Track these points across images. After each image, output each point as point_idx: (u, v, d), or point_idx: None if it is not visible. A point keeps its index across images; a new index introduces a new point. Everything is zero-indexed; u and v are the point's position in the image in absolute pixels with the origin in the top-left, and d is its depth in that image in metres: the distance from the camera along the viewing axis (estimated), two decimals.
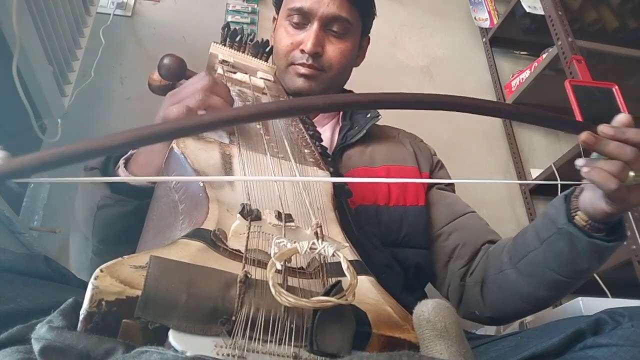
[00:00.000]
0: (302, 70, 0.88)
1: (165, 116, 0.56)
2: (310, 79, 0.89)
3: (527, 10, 1.77)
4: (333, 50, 0.89)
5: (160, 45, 1.56)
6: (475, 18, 1.98)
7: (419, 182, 0.88)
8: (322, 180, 0.60)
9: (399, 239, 0.80)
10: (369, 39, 1.03)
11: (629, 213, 1.16)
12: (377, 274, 0.70)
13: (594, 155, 0.54)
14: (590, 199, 0.58)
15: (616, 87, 1.33)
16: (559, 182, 0.64)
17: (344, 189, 0.62)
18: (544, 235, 0.66)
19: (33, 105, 1.08)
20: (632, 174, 0.52)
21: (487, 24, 1.98)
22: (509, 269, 0.72)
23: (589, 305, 0.95)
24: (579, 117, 1.26)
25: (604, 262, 0.64)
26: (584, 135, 0.51)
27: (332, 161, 0.82)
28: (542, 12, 1.64)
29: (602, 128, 0.51)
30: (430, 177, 0.91)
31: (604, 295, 1.23)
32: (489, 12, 2.00)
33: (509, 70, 1.94)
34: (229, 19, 1.69)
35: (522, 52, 2.03)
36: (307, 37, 0.87)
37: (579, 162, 0.55)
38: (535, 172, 1.68)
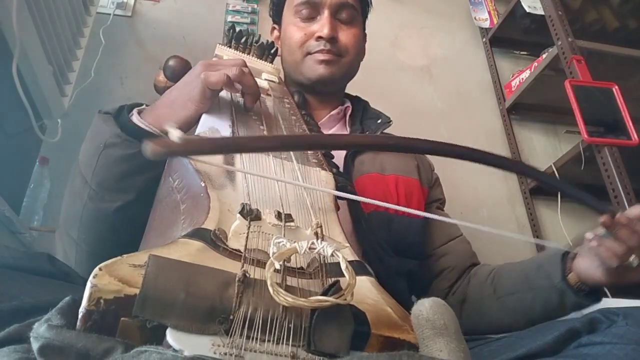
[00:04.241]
0: (322, 56, 0.89)
1: (205, 78, 0.61)
2: (331, 64, 0.90)
3: (527, 10, 1.77)
4: (346, 35, 0.91)
5: (160, 45, 1.56)
6: (475, 18, 1.98)
7: (419, 186, 0.90)
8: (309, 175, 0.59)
9: (404, 248, 0.82)
10: (366, 35, 1.03)
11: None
12: (389, 278, 0.73)
13: (601, 232, 0.62)
14: (587, 267, 0.67)
15: (616, 87, 1.33)
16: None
17: (346, 189, 0.62)
18: (535, 284, 0.75)
19: (33, 105, 1.08)
20: (633, 257, 0.62)
21: (487, 24, 1.97)
22: (493, 299, 0.80)
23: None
24: (579, 117, 1.27)
25: None
26: (604, 218, 0.60)
27: (344, 166, 0.83)
28: (542, 12, 1.64)
29: (619, 216, 0.60)
30: (428, 193, 0.93)
31: (604, 295, 1.23)
32: (489, 12, 2.00)
33: (509, 70, 1.94)
34: (229, 19, 1.69)
35: (522, 52, 2.02)
36: (321, 25, 0.89)
37: (589, 235, 0.64)
38: None
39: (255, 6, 1.73)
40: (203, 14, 1.68)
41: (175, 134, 0.40)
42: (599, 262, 0.64)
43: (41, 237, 1.16)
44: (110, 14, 1.52)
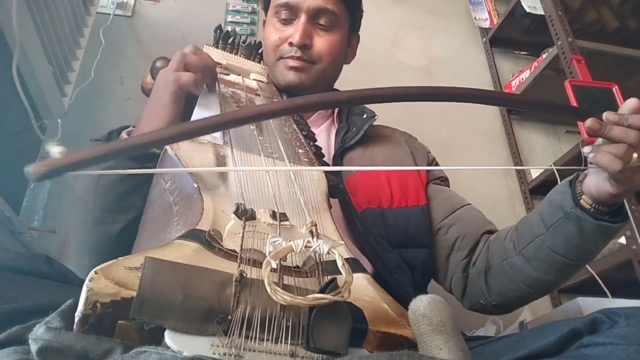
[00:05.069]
0: (292, 63, 0.89)
1: (177, 79, 0.68)
2: (301, 72, 0.89)
3: (527, 10, 1.76)
4: (322, 42, 0.90)
5: (160, 45, 1.56)
6: (475, 18, 1.98)
7: (416, 173, 0.89)
8: (308, 169, 0.60)
9: (405, 240, 0.81)
10: (358, 37, 1.03)
11: (629, 213, 1.16)
12: (390, 275, 0.72)
13: (599, 141, 0.57)
14: (595, 183, 0.60)
15: (616, 87, 1.32)
16: (554, 167, 0.67)
17: (338, 187, 0.62)
18: (550, 220, 0.68)
19: (33, 105, 1.08)
20: (635, 155, 0.55)
21: (487, 24, 1.97)
22: (514, 256, 0.74)
23: (589, 305, 0.94)
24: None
25: (609, 242, 0.68)
26: (589, 122, 0.54)
27: (334, 164, 0.83)
28: (542, 12, 1.64)
29: (607, 115, 0.55)
30: (427, 175, 0.91)
31: (604, 295, 1.23)
32: (489, 12, 2.00)
33: (509, 70, 1.94)
34: (229, 19, 1.69)
35: (522, 52, 2.02)
36: (295, 30, 0.88)
37: (586, 149, 0.59)
38: (535, 172, 1.68)
39: (255, 6, 1.73)
40: (203, 14, 1.68)
41: (55, 151, 0.37)
42: (604, 173, 0.57)
43: (41, 237, 1.16)
44: (110, 14, 1.52)
